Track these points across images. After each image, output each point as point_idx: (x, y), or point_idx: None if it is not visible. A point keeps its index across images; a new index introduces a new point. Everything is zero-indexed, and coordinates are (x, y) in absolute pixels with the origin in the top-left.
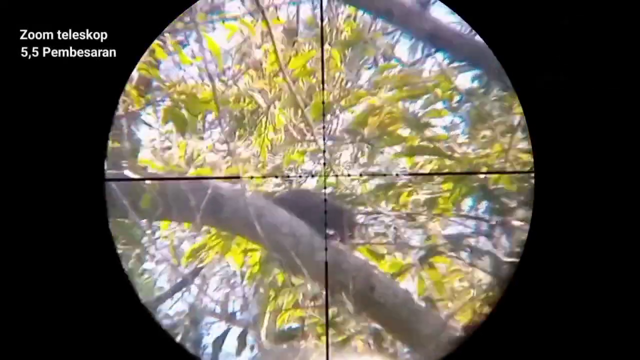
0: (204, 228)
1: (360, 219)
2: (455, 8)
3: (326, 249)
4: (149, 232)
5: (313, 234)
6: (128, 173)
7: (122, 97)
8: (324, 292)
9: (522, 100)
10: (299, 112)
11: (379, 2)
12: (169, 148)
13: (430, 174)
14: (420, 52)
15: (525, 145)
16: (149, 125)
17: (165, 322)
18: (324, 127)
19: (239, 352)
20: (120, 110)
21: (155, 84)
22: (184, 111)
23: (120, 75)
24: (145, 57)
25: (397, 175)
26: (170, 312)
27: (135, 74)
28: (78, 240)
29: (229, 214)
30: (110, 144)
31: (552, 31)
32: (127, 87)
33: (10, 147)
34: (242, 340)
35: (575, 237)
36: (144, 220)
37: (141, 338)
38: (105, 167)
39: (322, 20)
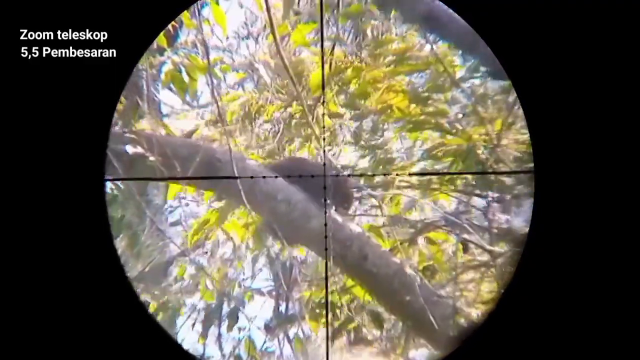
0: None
1: (356, 191)
2: (455, 8)
3: (326, 249)
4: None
5: (308, 200)
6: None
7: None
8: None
9: (522, 100)
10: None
11: None
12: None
13: (437, 173)
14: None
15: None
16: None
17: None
18: (323, 115)
19: (230, 328)
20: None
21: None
22: (184, 74)
23: (120, 75)
24: None
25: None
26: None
27: None
28: (78, 240)
29: (225, 179)
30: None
31: (553, 31)
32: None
33: (10, 147)
34: (233, 317)
35: (575, 237)
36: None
37: (141, 338)
38: (105, 167)
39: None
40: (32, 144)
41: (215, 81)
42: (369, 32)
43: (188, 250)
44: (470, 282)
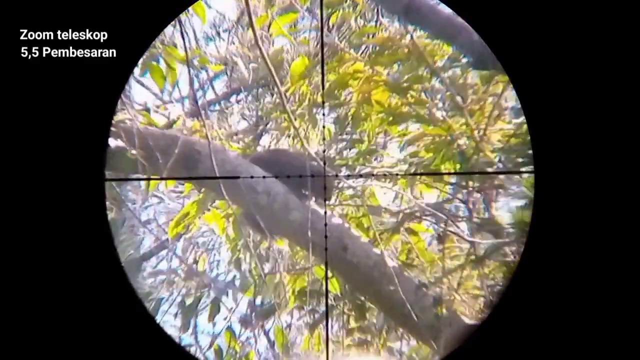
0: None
1: (337, 182)
2: (455, 8)
3: (326, 249)
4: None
5: (288, 193)
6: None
7: None
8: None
9: (522, 100)
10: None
11: None
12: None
13: (431, 173)
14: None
15: (507, 116)
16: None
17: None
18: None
19: (211, 317)
20: None
21: None
22: (162, 64)
23: (120, 75)
24: None
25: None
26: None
27: None
28: (78, 239)
29: (204, 171)
30: None
31: (553, 30)
32: None
33: (10, 147)
34: (215, 306)
35: (575, 237)
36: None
37: (140, 338)
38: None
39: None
40: (32, 144)
41: (194, 72)
42: (352, 22)
43: (164, 244)
44: (450, 272)
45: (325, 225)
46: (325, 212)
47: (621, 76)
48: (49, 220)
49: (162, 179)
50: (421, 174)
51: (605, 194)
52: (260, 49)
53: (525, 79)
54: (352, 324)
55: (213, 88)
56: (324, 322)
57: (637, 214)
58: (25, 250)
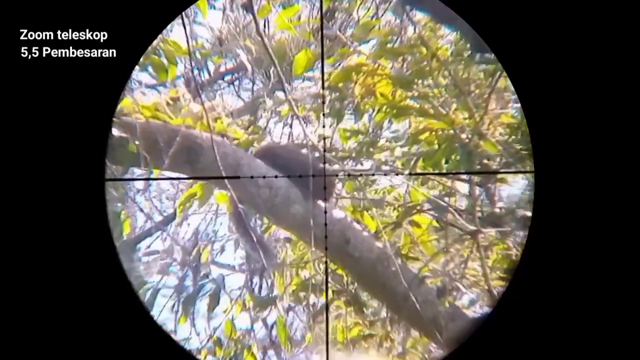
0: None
1: (339, 178)
2: (456, 8)
3: (326, 248)
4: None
5: (290, 187)
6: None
7: None
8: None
9: (522, 100)
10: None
11: None
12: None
13: (431, 173)
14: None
15: (509, 110)
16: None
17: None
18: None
19: (211, 308)
20: None
21: None
22: (163, 58)
23: (120, 75)
24: None
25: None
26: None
27: None
28: (78, 240)
29: (206, 165)
30: None
31: (553, 31)
32: None
33: (10, 147)
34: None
35: (575, 237)
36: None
37: (141, 339)
38: (106, 167)
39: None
40: (32, 144)
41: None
42: (354, 14)
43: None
44: (454, 265)
45: (325, 225)
46: (326, 212)
47: (621, 76)
48: (49, 221)
49: (163, 179)
50: (426, 174)
51: (605, 193)
52: (262, 38)
53: (525, 79)
54: (353, 317)
55: (208, 69)
56: (324, 317)
57: (637, 213)
58: (24, 250)
